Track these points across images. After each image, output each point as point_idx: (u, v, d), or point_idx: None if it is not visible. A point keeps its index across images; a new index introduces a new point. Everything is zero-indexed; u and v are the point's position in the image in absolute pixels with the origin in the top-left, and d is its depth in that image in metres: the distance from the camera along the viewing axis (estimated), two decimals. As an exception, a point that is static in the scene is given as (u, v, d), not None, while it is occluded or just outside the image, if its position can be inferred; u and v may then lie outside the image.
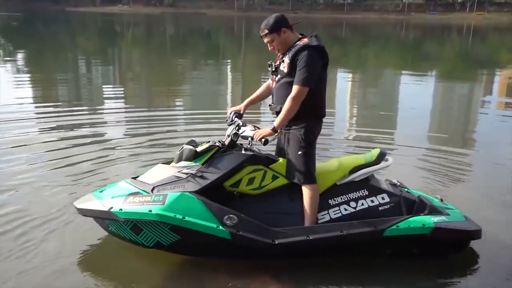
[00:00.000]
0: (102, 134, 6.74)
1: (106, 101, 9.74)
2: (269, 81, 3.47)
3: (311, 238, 3.10)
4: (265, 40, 3.22)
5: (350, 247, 3.24)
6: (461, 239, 3.38)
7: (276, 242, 3.05)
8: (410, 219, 3.22)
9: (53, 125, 7.08)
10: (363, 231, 3.15)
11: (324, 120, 3.39)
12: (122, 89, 11.67)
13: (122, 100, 9.96)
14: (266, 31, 3.17)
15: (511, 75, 15.80)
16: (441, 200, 3.76)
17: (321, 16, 78.36)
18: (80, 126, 7.11)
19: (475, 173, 5.55)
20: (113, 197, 3.18)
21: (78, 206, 3.30)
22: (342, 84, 13.01)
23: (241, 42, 29.89)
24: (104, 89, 11.19)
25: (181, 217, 2.98)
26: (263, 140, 3.09)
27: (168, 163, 3.45)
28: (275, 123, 3.15)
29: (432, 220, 3.21)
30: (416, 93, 11.88)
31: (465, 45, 30.40)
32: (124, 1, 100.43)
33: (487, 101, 10.96)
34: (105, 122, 7.65)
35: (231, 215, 3.05)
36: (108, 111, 8.63)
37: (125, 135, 6.76)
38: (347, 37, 36.25)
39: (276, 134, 3.21)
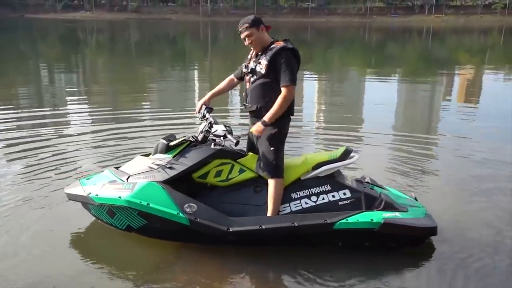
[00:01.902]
0: (62, 136, 6.66)
1: (69, 105, 9.48)
2: (232, 76, 3.73)
3: (263, 227, 3.29)
4: (244, 34, 3.37)
5: (303, 238, 3.40)
6: (412, 235, 3.45)
7: (231, 230, 3.27)
8: (360, 214, 3.35)
9: (12, 128, 6.95)
10: (313, 223, 3.32)
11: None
12: (86, 94, 11.38)
13: (86, 104, 9.70)
14: (247, 25, 3.34)
15: (469, 74, 16.43)
16: (415, 198, 3.89)
17: (286, 20, 79.09)
18: (38, 128, 7.01)
19: (439, 166, 5.73)
20: (94, 184, 3.54)
21: (65, 191, 3.68)
22: (310, 85, 13.20)
23: (207, 47, 29.83)
24: (67, 95, 10.89)
25: (145, 203, 3.29)
26: (239, 140, 3.33)
27: (147, 155, 3.71)
28: (266, 118, 3.32)
29: (383, 216, 3.33)
30: (382, 92, 12.18)
31: (426, 47, 31.36)
32: (87, 7, 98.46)
33: (448, 99, 11.36)
34: (67, 124, 7.54)
35: (191, 204, 3.32)
36: (71, 114, 8.42)
37: (87, 135, 6.72)
38: (312, 40, 36.78)
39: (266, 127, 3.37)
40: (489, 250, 3.60)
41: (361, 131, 7.53)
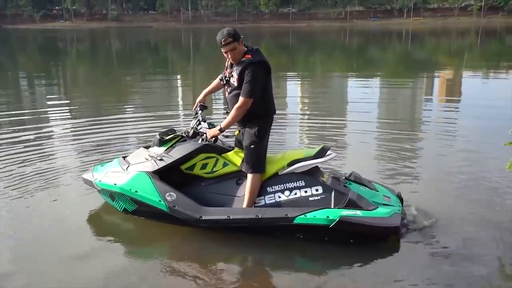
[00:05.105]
0: (47, 144, 6.58)
1: (50, 114, 9.35)
2: (219, 77, 3.88)
3: (231, 217, 3.63)
4: (228, 48, 3.49)
5: (267, 229, 3.66)
6: (368, 233, 3.53)
7: (203, 218, 3.65)
8: (319, 210, 3.55)
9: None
10: (275, 216, 3.60)
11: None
12: (68, 102, 11.27)
13: (68, 111, 9.61)
14: (231, 39, 3.47)
15: (449, 74, 16.72)
16: (399, 194, 4.01)
17: (267, 25, 79.63)
18: (23, 136, 6.89)
19: (424, 158, 5.88)
20: (102, 171, 4.09)
21: (82, 176, 4.33)
22: (295, 85, 13.30)
23: (189, 54, 29.77)
24: (49, 103, 10.76)
25: (134, 191, 3.81)
26: (212, 139, 3.72)
27: (148, 147, 4.18)
28: (222, 125, 3.66)
29: (340, 213, 3.48)
30: (366, 92, 12.30)
31: (406, 48, 31.81)
32: (66, 17, 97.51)
33: (429, 98, 11.54)
34: (51, 132, 7.45)
35: (171, 193, 3.74)
36: (54, 122, 8.34)
37: (72, 140, 6.73)
38: (294, 44, 36.94)
39: (221, 133, 3.71)
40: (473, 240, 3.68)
41: (348, 127, 7.69)
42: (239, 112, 3.55)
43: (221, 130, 3.67)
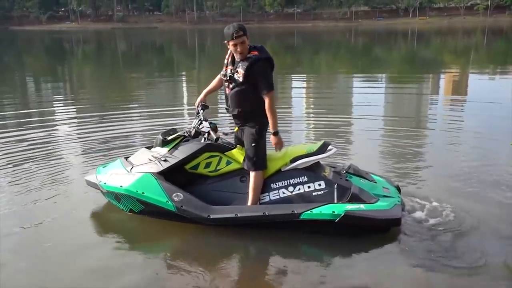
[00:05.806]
0: (52, 142, 6.64)
1: (56, 112, 9.44)
2: (222, 73, 3.85)
3: (238, 215, 3.70)
4: (239, 40, 3.51)
5: (274, 225, 3.71)
6: (372, 225, 3.65)
7: (211, 217, 3.71)
8: (325, 206, 3.65)
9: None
10: (282, 213, 3.68)
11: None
12: (73, 101, 11.35)
13: (74, 110, 9.68)
14: (242, 32, 3.52)
15: (455, 73, 16.65)
16: (397, 186, 4.13)
17: (272, 25, 79.64)
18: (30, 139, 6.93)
19: (427, 157, 5.88)
20: (105, 173, 4.10)
21: (85, 178, 4.28)
22: (299, 86, 13.31)
23: (194, 54, 29.85)
24: (54, 103, 10.86)
25: (141, 192, 3.83)
26: (219, 137, 3.80)
27: (151, 147, 4.19)
28: (272, 129, 3.70)
29: (345, 208, 3.60)
30: (372, 90, 12.31)
31: (412, 48, 31.69)
32: (72, 18, 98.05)
33: (435, 96, 11.52)
34: (57, 130, 7.51)
35: (178, 193, 3.79)
36: (59, 120, 8.44)
37: (78, 141, 6.75)
38: (299, 44, 36.92)
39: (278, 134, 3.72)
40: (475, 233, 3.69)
41: (354, 124, 7.76)
42: (273, 107, 3.63)
43: (276, 133, 3.69)
